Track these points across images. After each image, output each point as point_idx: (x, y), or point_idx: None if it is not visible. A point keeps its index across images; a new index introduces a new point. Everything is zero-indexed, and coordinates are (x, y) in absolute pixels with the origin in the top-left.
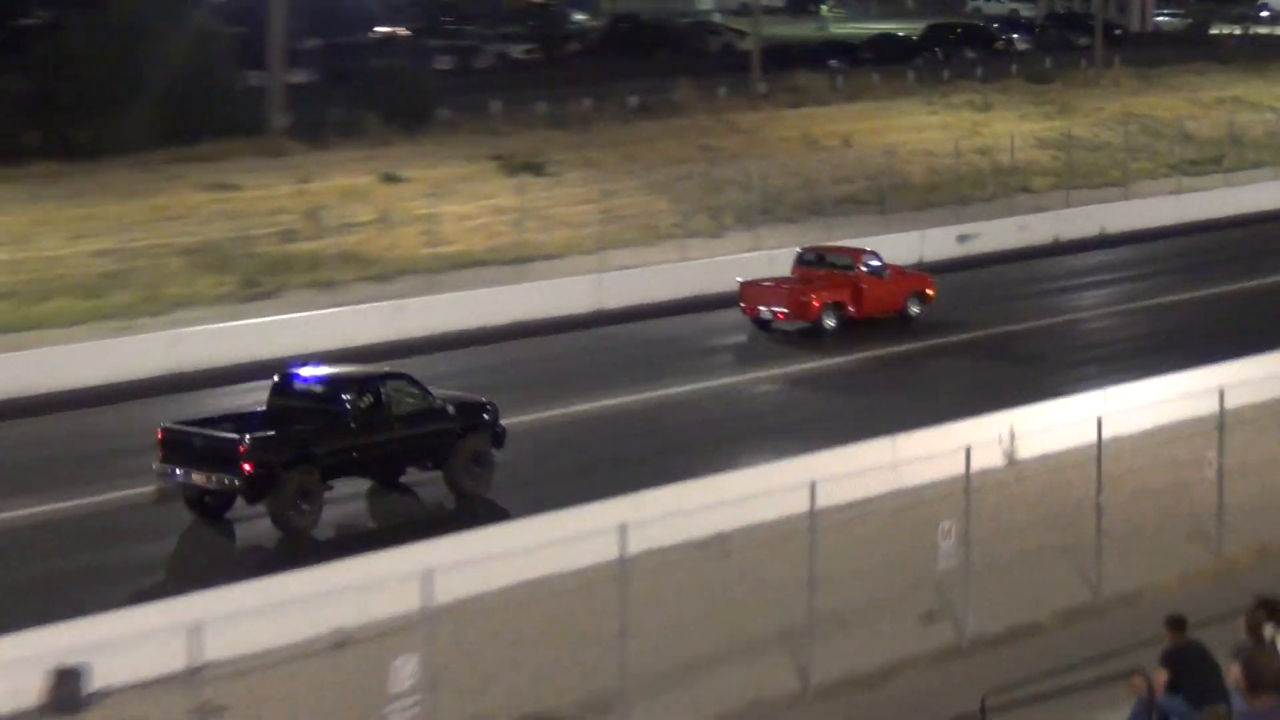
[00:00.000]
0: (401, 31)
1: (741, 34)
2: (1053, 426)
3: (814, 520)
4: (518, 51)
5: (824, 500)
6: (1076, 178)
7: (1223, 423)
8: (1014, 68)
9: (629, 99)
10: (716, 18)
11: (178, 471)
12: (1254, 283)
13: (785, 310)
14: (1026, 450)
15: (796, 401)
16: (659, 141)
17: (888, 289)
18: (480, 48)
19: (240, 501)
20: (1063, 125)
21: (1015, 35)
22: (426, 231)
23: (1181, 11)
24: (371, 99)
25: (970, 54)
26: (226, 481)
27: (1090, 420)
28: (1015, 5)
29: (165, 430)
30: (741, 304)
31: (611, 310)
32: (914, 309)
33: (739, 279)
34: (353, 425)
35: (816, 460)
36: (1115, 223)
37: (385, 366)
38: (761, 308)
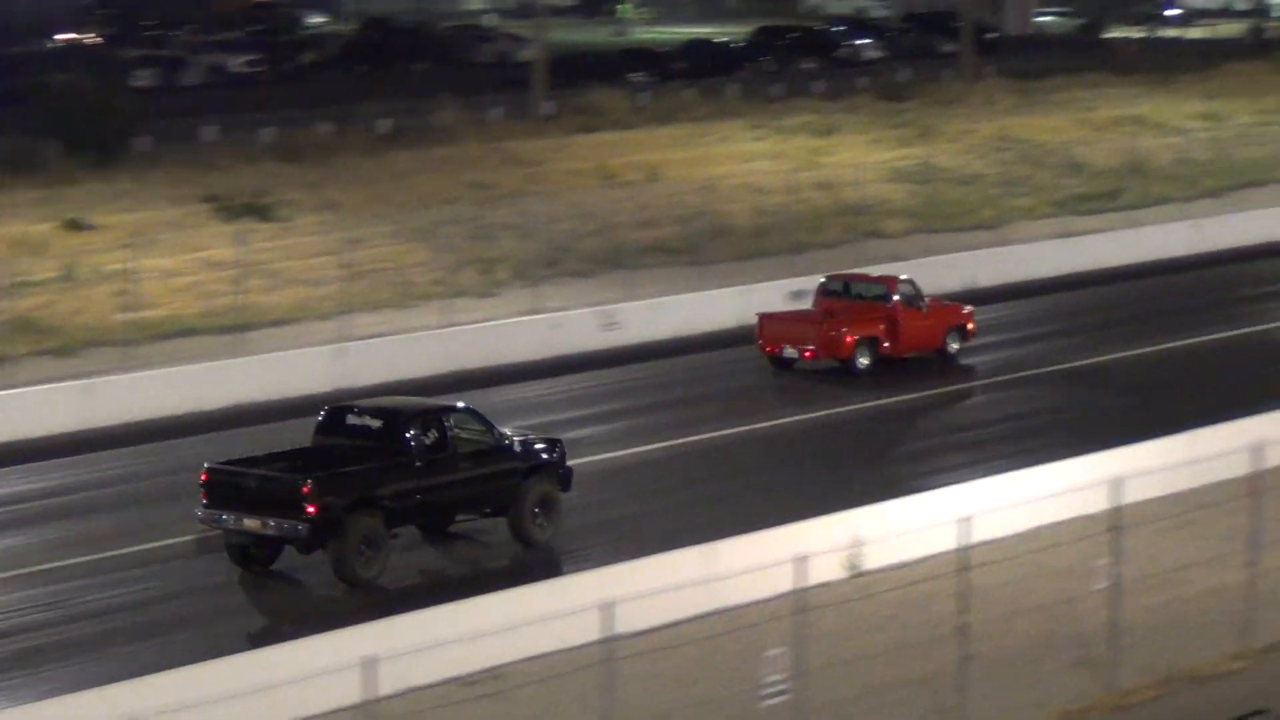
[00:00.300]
0: (89, 39)
1: (520, 41)
2: (906, 530)
3: (608, 650)
4: (237, 64)
5: (623, 624)
6: (939, 219)
7: (1118, 523)
8: (863, 81)
9: (379, 123)
10: (489, 20)
11: (226, 517)
12: (1158, 347)
13: (813, 348)
14: (874, 559)
15: (593, 502)
16: (417, 177)
17: (926, 323)
18: (189, 59)
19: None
20: (923, 153)
21: (864, 40)
22: (122, 292)
23: (1070, 10)
24: (50, 124)
25: (808, 64)
26: (286, 527)
27: (952, 522)
28: (864, 3)
29: (211, 471)
30: (759, 341)
31: (356, 389)
32: (954, 345)
33: (757, 312)
34: (418, 464)
35: (612, 575)
36: (987, 274)
37: (432, 400)
38: (786, 346)
